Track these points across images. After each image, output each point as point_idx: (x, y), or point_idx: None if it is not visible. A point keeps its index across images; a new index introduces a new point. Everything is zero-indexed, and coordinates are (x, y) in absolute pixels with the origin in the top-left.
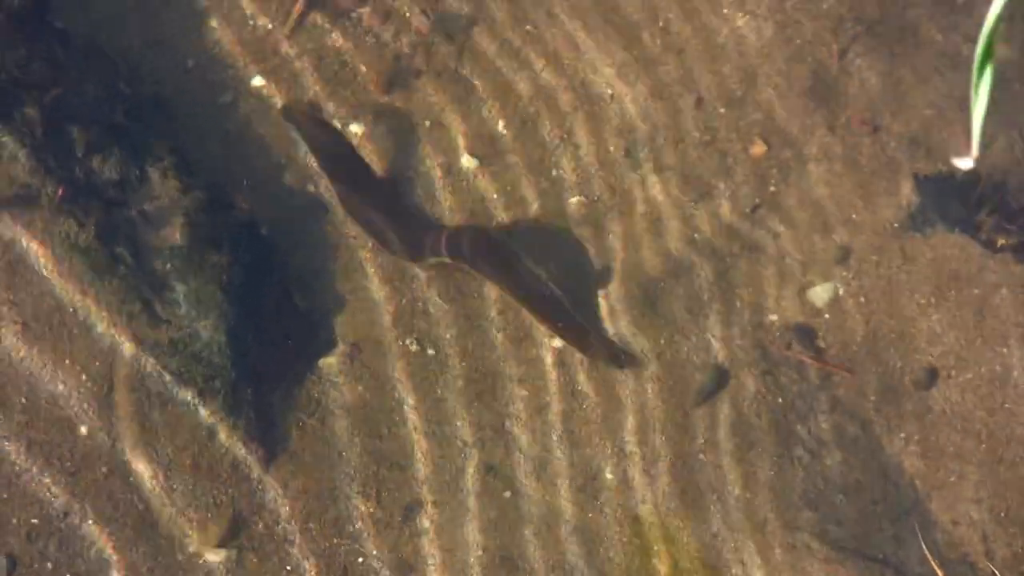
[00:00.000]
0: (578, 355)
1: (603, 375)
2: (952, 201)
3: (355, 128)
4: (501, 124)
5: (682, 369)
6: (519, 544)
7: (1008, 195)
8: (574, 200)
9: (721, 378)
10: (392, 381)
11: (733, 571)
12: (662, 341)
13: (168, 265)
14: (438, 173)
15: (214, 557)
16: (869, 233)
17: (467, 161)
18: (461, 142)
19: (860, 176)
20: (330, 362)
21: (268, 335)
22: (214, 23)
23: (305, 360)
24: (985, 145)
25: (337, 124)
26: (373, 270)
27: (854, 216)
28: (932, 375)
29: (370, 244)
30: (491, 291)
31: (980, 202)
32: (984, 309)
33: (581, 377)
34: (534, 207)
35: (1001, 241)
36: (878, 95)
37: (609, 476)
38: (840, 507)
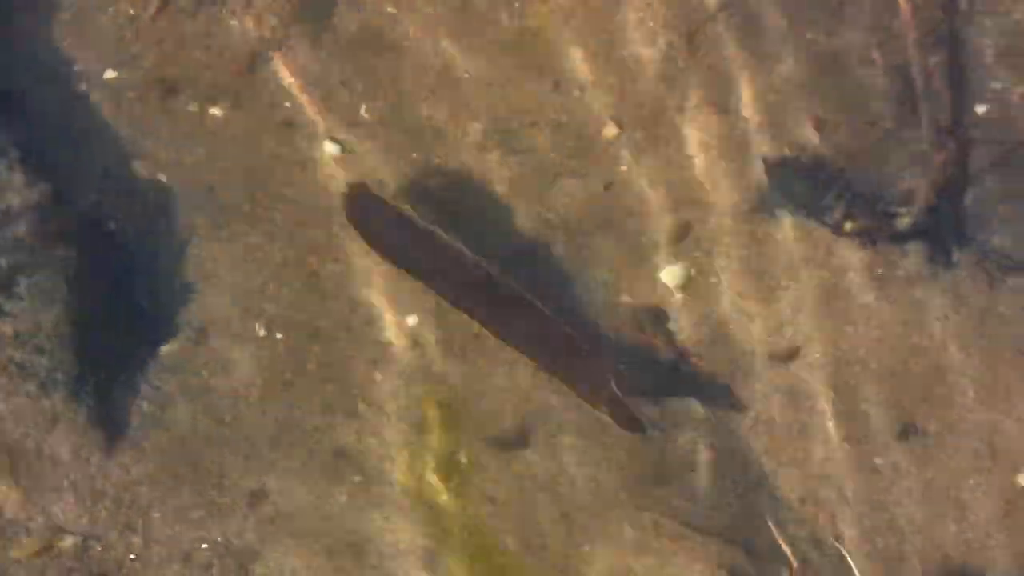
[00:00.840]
0: (433, 335)
1: (457, 359)
2: (800, 184)
3: (215, 111)
4: (363, 108)
5: None
6: (368, 529)
7: (854, 180)
8: (433, 182)
9: None
10: (238, 366)
11: (584, 549)
12: None
13: (12, 259)
14: (296, 159)
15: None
16: (720, 215)
17: (329, 146)
18: (321, 126)
19: (710, 158)
20: (173, 349)
21: (112, 325)
22: (67, 13)
23: (148, 348)
24: (831, 129)
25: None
26: (220, 258)
27: (705, 198)
28: (782, 356)
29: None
30: (343, 267)
31: (827, 186)
32: (832, 292)
33: (437, 359)
34: (391, 188)
35: (848, 225)
36: (728, 78)
37: (464, 460)
38: (689, 485)
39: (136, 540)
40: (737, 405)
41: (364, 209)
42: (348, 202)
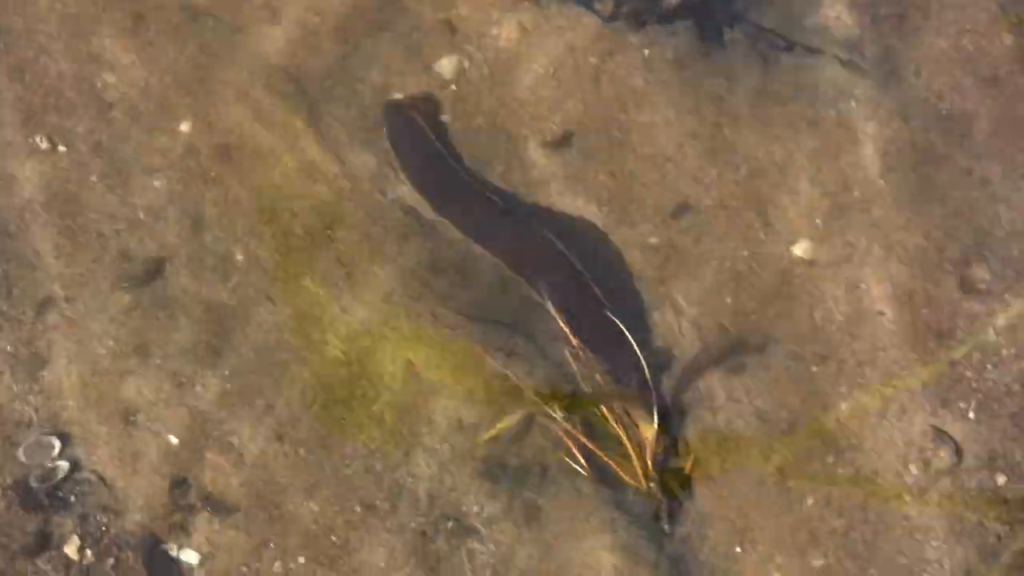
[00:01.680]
0: (204, 140)
1: (224, 163)
2: None
3: None
4: None
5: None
6: (153, 330)
7: None
8: None
9: None
10: (20, 180)
11: (362, 343)
12: (299, 125)
13: None
14: None
15: None
16: (489, 7)
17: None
18: None
19: None
20: None
21: None
22: None
23: None
24: None
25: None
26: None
27: None
28: (554, 143)
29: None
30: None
31: None
32: (602, 77)
33: (211, 166)
34: None
35: (615, 9)
36: None
37: (239, 257)
38: (466, 275)
39: None
40: (510, 192)
41: (404, 132)
42: (390, 120)
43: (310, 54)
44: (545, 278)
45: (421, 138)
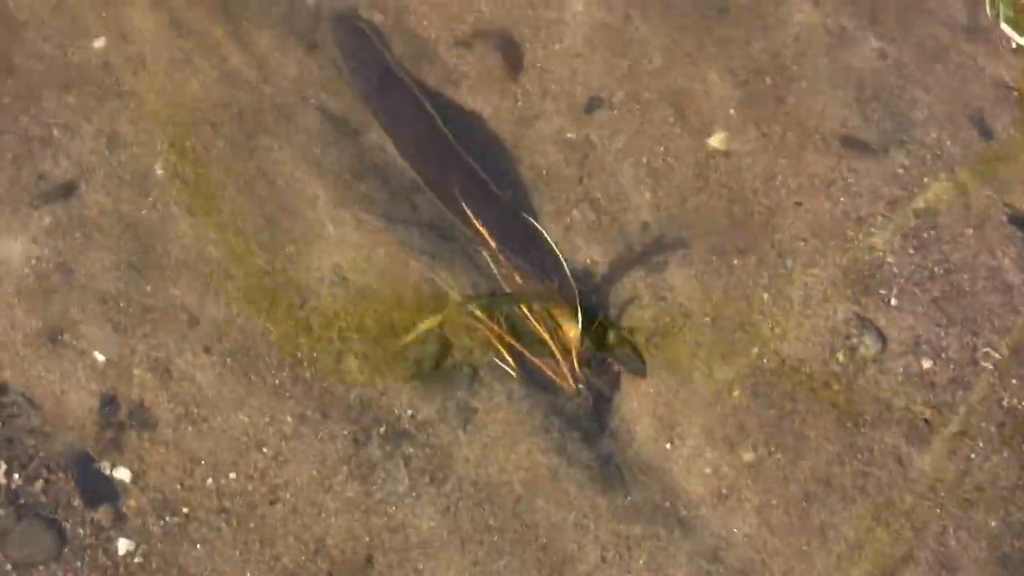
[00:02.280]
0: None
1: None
2: None
3: None
4: None
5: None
6: (74, 252)
7: None
8: None
9: None
10: None
11: (287, 251)
12: (218, 32)
13: None
14: None
15: None
16: None
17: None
18: None
19: None
20: None
21: None
22: None
23: None
24: None
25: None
26: None
27: None
28: (468, 40)
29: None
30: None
31: None
32: None
33: (126, 78)
34: None
35: None
36: None
37: (160, 172)
38: (387, 179)
39: None
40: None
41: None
42: (337, 29)
43: None
44: (459, 186)
45: (371, 52)
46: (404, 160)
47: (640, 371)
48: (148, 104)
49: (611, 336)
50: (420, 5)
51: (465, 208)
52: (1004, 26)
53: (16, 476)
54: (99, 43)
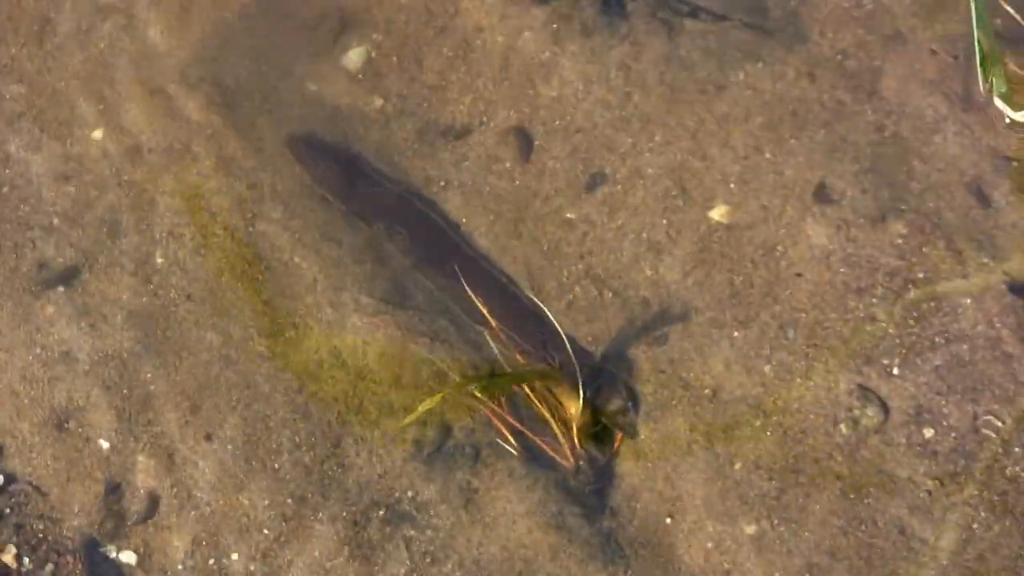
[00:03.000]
0: None
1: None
2: None
3: None
4: None
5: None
6: (77, 340)
7: None
8: None
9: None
10: None
11: (287, 335)
12: (215, 120)
13: None
14: None
15: None
16: None
17: None
18: None
19: None
20: None
21: None
22: None
23: None
24: None
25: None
26: None
27: None
28: (465, 126)
29: None
30: None
31: None
32: (510, 55)
33: (125, 169)
34: None
35: None
36: None
37: (159, 260)
38: (383, 263)
39: None
40: (423, 173)
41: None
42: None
43: (222, 48)
44: (458, 263)
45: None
46: (399, 249)
47: (632, 432)
48: (147, 193)
49: (611, 408)
50: (420, 88)
51: (465, 287)
52: (997, 102)
53: (26, 560)
54: (97, 134)
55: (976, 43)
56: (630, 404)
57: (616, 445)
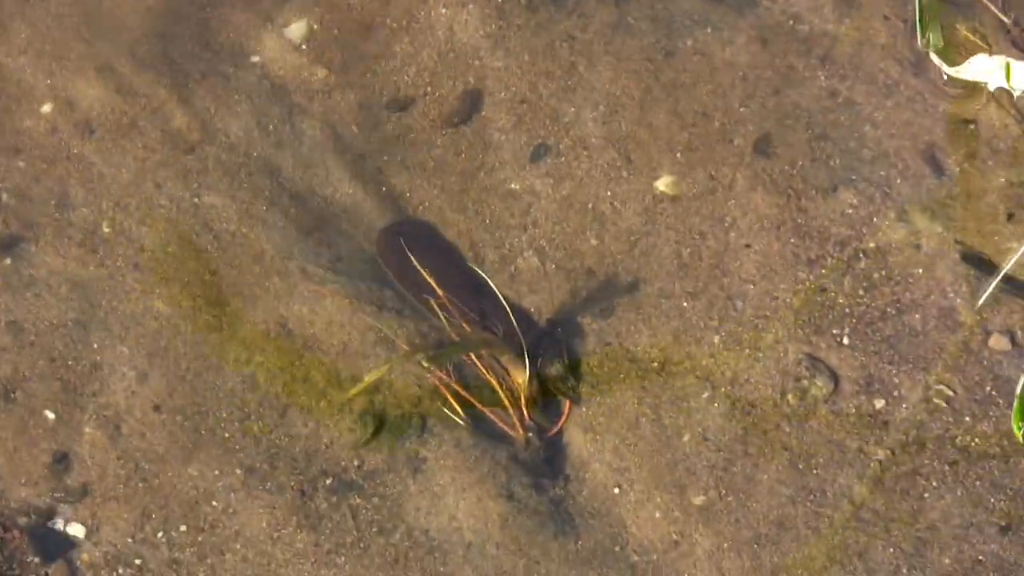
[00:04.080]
0: None
1: None
2: None
3: None
4: None
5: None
6: (23, 311)
7: None
8: None
9: None
10: None
11: (233, 305)
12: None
13: None
14: None
15: None
16: None
17: None
18: None
19: None
20: None
21: None
22: None
23: None
24: None
25: None
26: None
27: None
28: (409, 100)
29: None
30: None
31: None
32: (451, 32)
33: (74, 143)
34: None
35: None
36: None
37: (106, 230)
38: (331, 235)
39: None
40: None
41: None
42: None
43: (171, 21)
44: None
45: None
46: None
47: (575, 398)
48: (96, 166)
49: (556, 374)
50: (365, 61)
51: (412, 259)
52: (933, 57)
53: None
54: (47, 107)
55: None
56: (570, 368)
57: (564, 417)
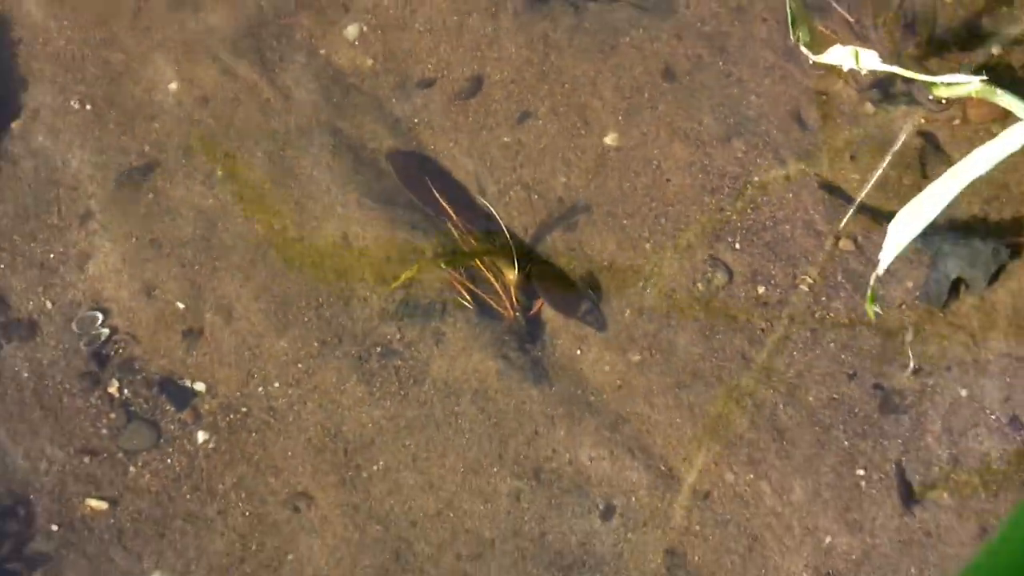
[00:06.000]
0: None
1: None
2: None
3: None
4: None
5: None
6: (160, 231)
7: None
8: None
9: None
10: (65, 140)
11: (311, 224)
12: (254, 76)
13: None
14: None
15: None
16: None
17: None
18: None
19: None
20: None
21: None
22: None
23: None
24: None
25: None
26: None
27: None
28: (431, 80)
29: None
30: None
31: None
32: (462, 28)
33: (195, 112)
34: None
35: None
36: None
37: (219, 173)
38: (379, 175)
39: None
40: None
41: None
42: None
43: (259, 25)
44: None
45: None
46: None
47: (600, 325)
48: (210, 128)
49: (535, 273)
50: (397, 51)
51: (435, 194)
52: (803, 48)
53: (125, 390)
54: (174, 85)
55: (788, 7)
56: (596, 317)
57: (539, 304)
